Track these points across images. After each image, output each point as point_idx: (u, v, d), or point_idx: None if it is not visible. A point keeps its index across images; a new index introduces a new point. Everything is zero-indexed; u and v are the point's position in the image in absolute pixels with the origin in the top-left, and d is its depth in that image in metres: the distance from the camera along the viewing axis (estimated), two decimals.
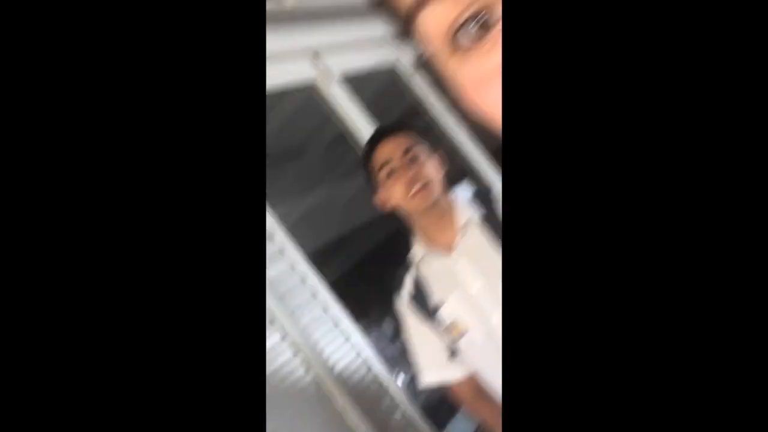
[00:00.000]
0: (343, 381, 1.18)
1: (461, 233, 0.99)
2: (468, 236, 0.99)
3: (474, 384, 1.02)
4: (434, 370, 1.05)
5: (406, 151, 0.98)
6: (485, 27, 0.23)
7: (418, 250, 1.04)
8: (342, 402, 1.15)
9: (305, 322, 1.19)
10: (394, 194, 0.98)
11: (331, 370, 1.17)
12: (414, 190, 0.95)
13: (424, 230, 1.02)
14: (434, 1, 0.23)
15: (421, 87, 1.79)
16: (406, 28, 0.26)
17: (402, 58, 1.77)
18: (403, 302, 1.05)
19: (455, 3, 0.23)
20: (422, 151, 1.00)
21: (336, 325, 1.25)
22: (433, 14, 0.23)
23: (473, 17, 0.23)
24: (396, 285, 1.07)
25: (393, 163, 0.97)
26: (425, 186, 0.96)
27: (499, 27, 0.22)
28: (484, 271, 0.97)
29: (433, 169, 0.99)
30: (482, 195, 1.04)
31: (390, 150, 0.99)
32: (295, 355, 1.14)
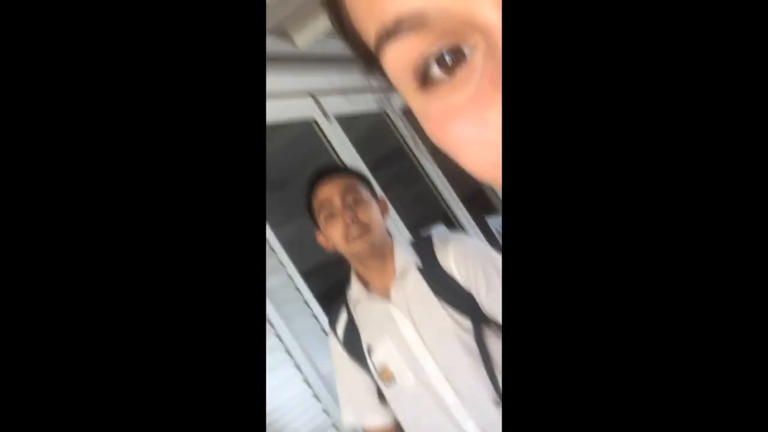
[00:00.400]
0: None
1: (399, 279, 0.97)
2: (405, 282, 0.97)
3: None
4: (355, 412, 1.04)
5: (346, 193, 0.97)
6: (455, 60, 0.21)
7: (355, 291, 1.02)
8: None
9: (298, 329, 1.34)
10: (333, 236, 0.97)
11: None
12: (352, 233, 0.95)
13: (362, 273, 1.01)
14: (400, 34, 0.21)
15: (405, 130, 1.97)
16: (370, 61, 0.25)
17: (393, 103, 1.96)
18: (334, 340, 1.04)
19: (423, 36, 0.21)
20: (363, 194, 1.00)
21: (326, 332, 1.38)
22: (398, 49, 0.22)
23: (447, 51, 0.21)
24: (331, 321, 1.07)
25: (332, 206, 0.97)
26: (364, 230, 0.95)
27: (469, 60, 0.21)
28: (418, 319, 0.95)
29: (373, 212, 0.98)
30: (423, 243, 1.02)
31: (330, 192, 0.98)
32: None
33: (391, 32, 0.21)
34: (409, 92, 0.23)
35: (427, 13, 0.20)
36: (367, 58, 0.24)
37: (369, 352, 0.98)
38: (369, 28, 0.22)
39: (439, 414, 0.94)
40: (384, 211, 1.03)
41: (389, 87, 0.25)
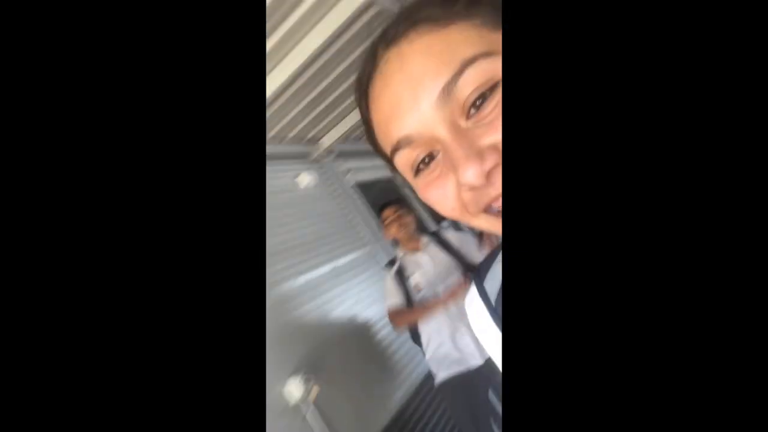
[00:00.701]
0: None
1: (423, 244, 2.06)
2: (426, 246, 2.04)
3: (405, 311, 1.95)
4: (392, 302, 1.97)
5: (395, 212, 2.10)
6: (429, 160, 0.37)
7: (399, 252, 2.09)
8: None
9: None
10: (391, 231, 2.09)
11: None
12: (399, 229, 2.07)
13: (404, 243, 2.08)
14: (400, 149, 0.37)
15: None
16: (390, 163, 0.41)
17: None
18: (388, 275, 2.05)
19: (414, 148, 0.37)
20: (402, 212, 2.11)
21: None
22: (402, 156, 0.38)
23: (425, 156, 0.37)
24: (388, 266, 2.12)
25: (389, 218, 2.09)
26: (403, 226, 2.07)
27: (436, 158, 0.36)
28: (434, 261, 1.98)
29: (408, 219, 2.10)
30: (437, 231, 2.15)
31: (388, 212, 2.11)
32: None
33: (396, 148, 0.38)
34: (409, 177, 0.40)
35: (413, 136, 0.36)
36: (389, 162, 0.41)
37: (409, 277, 1.97)
38: (386, 147, 0.39)
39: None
40: (415, 217, 2.16)
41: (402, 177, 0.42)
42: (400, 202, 2.17)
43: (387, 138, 0.39)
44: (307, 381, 1.71)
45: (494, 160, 0.34)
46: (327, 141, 2.76)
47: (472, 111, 0.35)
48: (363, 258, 2.63)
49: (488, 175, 0.34)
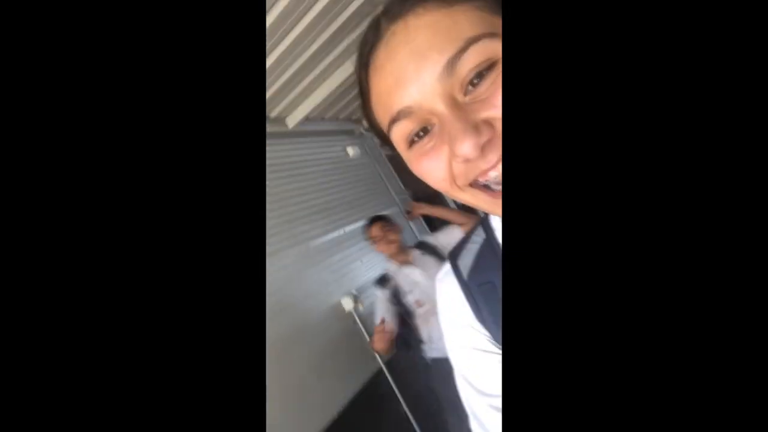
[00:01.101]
0: None
1: (413, 257, 2.10)
2: (417, 259, 2.09)
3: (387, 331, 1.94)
4: (381, 323, 1.96)
5: (381, 228, 2.13)
6: (425, 132, 0.39)
7: (393, 267, 2.10)
8: None
9: None
10: (379, 248, 2.13)
11: None
12: (387, 246, 2.11)
13: (395, 258, 2.11)
14: (399, 120, 0.39)
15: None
16: (385, 138, 0.43)
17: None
18: (381, 294, 2.07)
19: (412, 120, 0.38)
20: (388, 228, 2.14)
21: None
22: (399, 127, 0.39)
23: (420, 129, 0.39)
24: (380, 283, 2.11)
25: (376, 236, 2.13)
26: (391, 242, 2.11)
27: (431, 132, 0.38)
28: (428, 273, 1.99)
29: (394, 236, 2.13)
30: (423, 244, 2.16)
31: (374, 230, 2.15)
32: None
33: (395, 119, 0.39)
34: (403, 150, 0.42)
35: (413, 107, 0.38)
36: (381, 136, 0.43)
37: (407, 294, 2.02)
38: (384, 119, 0.41)
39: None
40: (400, 232, 2.21)
41: (394, 149, 0.43)
42: (384, 219, 2.25)
43: (386, 109, 0.40)
44: (355, 298, 2.40)
45: (488, 134, 0.36)
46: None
47: (470, 87, 0.36)
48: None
49: (482, 149, 0.36)
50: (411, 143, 0.40)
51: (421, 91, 0.37)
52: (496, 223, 0.52)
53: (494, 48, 0.36)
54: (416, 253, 2.13)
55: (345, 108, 3.07)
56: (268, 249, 2.14)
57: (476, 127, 0.36)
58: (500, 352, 0.50)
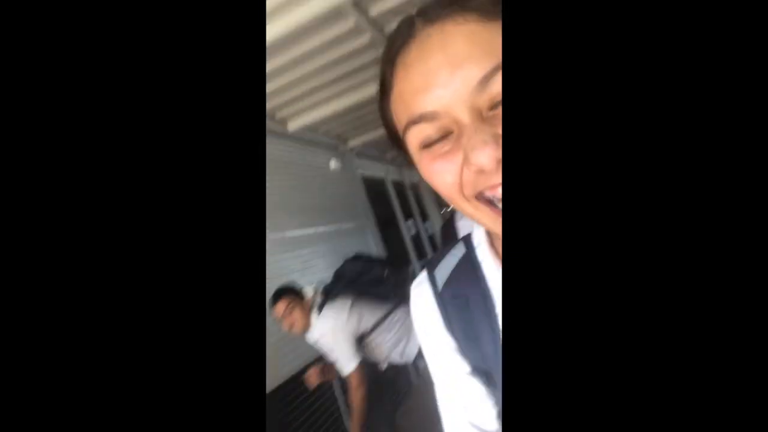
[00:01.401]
0: None
1: (312, 323, 2.09)
2: (314, 325, 2.08)
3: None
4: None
5: (287, 305, 2.07)
6: (444, 136, 0.39)
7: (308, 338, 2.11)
8: None
9: None
10: (285, 327, 2.08)
11: None
12: (291, 326, 2.08)
13: (303, 332, 2.10)
14: (422, 122, 0.39)
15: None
16: (399, 143, 0.44)
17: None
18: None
19: (434, 124, 0.39)
20: (293, 304, 2.08)
21: None
22: (419, 129, 0.40)
23: (441, 134, 0.39)
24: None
25: (281, 314, 2.06)
26: (294, 322, 2.06)
27: (449, 137, 0.38)
28: (330, 325, 2.06)
29: (297, 314, 2.08)
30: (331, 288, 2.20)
31: (279, 308, 2.07)
32: None
33: (416, 120, 0.39)
34: (415, 150, 0.42)
35: (439, 113, 0.38)
36: (391, 131, 0.45)
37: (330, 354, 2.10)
38: (402, 117, 0.41)
39: None
40: (306, 308, 2.13)
41: (401, 155, 0.44)
42: (289, 293, 2.16)
43: (408, 108, 0.40)
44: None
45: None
46: (353, 142, 3.80)
47: (494, 105, 0.37)
48: (354, 228, 3.67)
49: (497, 162, 0.37)
50: (426, 144, 0.41)
51: (451, 99, 0.37)
52: (477, 241, 0.54)
53: None
54: (314, 317, 2.15)
55: (338, 127, 3.48)
56: None
57: (497, 140, 0.37)
58: (468, 368, 0.54)
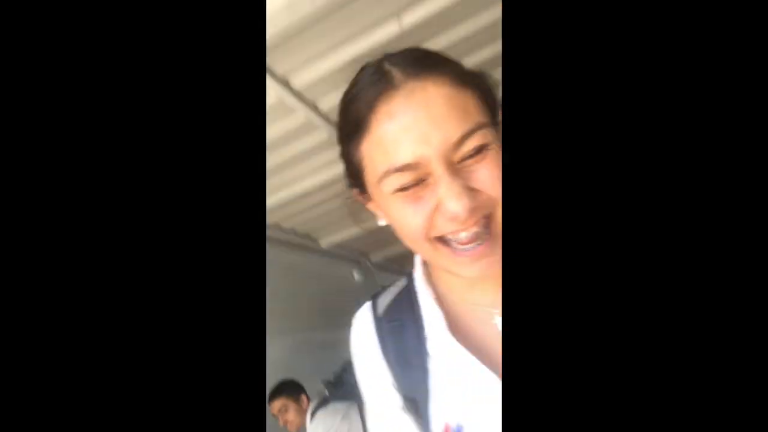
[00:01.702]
0: None
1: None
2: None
3: None
4: None
5: (282, 404, 2.22)
6: (420, 182, 0.44)
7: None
8: None
9: None
10: (280, 422, 2.21)
11: None
12: (284, 424, 2.21)
13: (292, 430, 2.24)
14: (402, 171, 0.44)
15: None
16: (359, 179, 0.49)
17: None
18: None
19: (412, 173, 0.44)
20: (288, 403, 2.22)
21: None
22: (398, 177, 0.45)
23: (416, 179, 0.44)
24: None
25: (277, 412, 2.21)
26: (288, 422, 2.21)
27: (423, 183, 0.44)
28: None
29: (291, 414, 2.21)
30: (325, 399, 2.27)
31: (275, 406, 2.19)
32: None
33: (398, 169, 0.43)
34: (388, 193, 0.46)
35: (420, 164, 0.43)
36: (354, 170, 0.50)
37: None
38: (381, 162, 0.45)
39: None
40: (300, 412, 2.27)
41: (357, 189, 0.52)
42: (287, 392, 2.26)
43: (388, 155, 0.45)
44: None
45: (474, 200, 0.44)
46: (374, 257, 4.33)
47: (463, 159, 0.45)
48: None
49: (469, 212, 0.43)
50: (401, 189, 0.46)
51: (431, 154, 0.44)
52: (417, 275, 0.60)
53: (489, 135, 0.46)
54: (308, 420, 2.24)
55: (367, 246, 4.00)
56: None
57: (469, 194, 0.44)
58: (401, 402, 0.56)
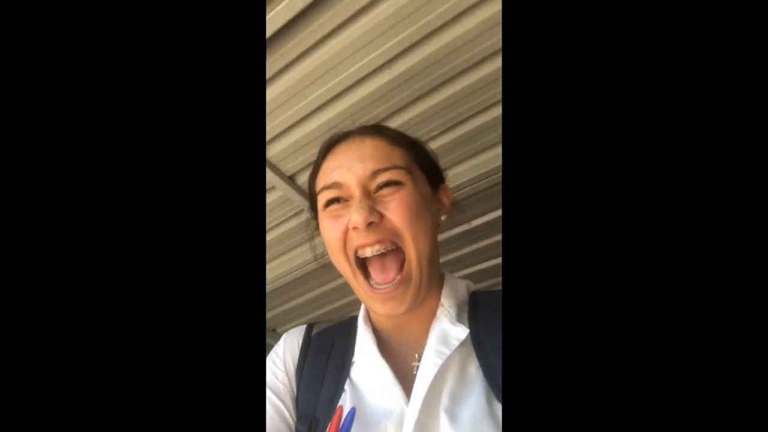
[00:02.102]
0: None
1: None
2: None
3: None
4: None
5: None
6: (343, 201, 0.61)
7: None
8: None
9: None
10: None
11: None
12: None
13: None
14: (328, 189, 0.61)
15: None
16: (313, 197, 0.66)
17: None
18: None
19: (336, 190, 0.61)
20: None
21: None
22: (328, 192, 0.61)
23: (337, 198, 0.61)
24: None
25: None
26: None
27: (344, 202, 0.61)
28: None
29: None
30: None
31: None
32: None
33: (327, 186, 0.62)
34: (320, 208, 0.64)
35: (343, 184, 0.61)
36: (311, 196, 0.69)
37: None
38: (320, 184, 0.64)
39: None
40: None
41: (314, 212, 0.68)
42: None
43: (325, 178, 0.63)
44: None
45: (376, 218, 0.57)
46: None
47: (378, 189, 0.59)
48: None
49: (368, 226, 0.57)
50: (328, 204, 0.62)
51: (352, 178, 0.60)
52: (360, 313, 0.69)
53: (404, 176, 0.60)
54: None
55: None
56: None
57: (371, 210, 0.57)
58: (294, 418, 0.64)
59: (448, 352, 0.58)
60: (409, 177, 0.61)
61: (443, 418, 0.53)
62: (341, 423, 0.53)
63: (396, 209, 0.58)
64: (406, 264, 0.60)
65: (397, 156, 0.62)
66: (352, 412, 0.54)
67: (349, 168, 0.61)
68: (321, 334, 0.69)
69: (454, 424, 0.52)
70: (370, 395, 0.60)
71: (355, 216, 0.57)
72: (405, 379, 0.60)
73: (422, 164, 0.66)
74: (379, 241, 0.58)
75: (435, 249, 0.65)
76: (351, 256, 0.60)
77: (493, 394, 0.53)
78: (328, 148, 0.67)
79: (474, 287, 0.70)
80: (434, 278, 0.65)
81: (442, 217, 0.68)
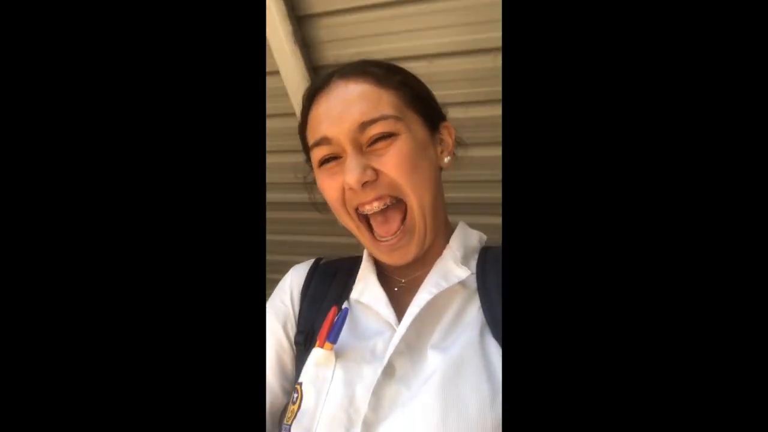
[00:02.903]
0: None
1: None
2: None
3: None
4: None
5: None
6: (335, 157, 0.56)
7: None
8: None
9: None
10: None
11: None
12: None
13: None
14: (318, 144, 0.57)
15: None
16: (308, 152, 0.59)
17: None
18: None
19: (328, 147, 0.56)
20: None
21: None
22: (319, 150, 0.57)
23: (331, 155, 0.57)
24: None
25: None
26: None
27: (339, 159, 0.57)
28: None
29: None
30: None
31: None
32: None
33: (317, 143, 0.58)
34: (315, 166, 0.61)
35: (332, 139, 0.57)
36: (306, 150, 0.63)
37: None
38: (310, 139, 0.60)
39: None
40: None
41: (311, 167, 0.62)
42: None
43: (313, 133, 0.59)
44: None
45: (371, 177, 0.55)
46: None
47: (371, 143, 0.55)
48: None
49: (363, 185, 0.54)
50: (323, 163, 0.59)
51: (341, 131, 0.56)
52: (365, 252, 0.69)
53: (396, 126, 0.56)
54: None
55: None
56: None
57: (365, 169, 0.54)
58: (292, 336, 0.66)
59: (445, 285, 0.59)
60: (402, 125, 0.57)
61: (430, 352, 0.55)
62: (334, 320, 0.57)
63: (391, 164, 0.56)
64: (408, 215, 0.59)
65: (386, 102, 0.57)
66: (345, 312, 0.58)
67: (335, 119, 0.57)
68: (328, 264, 0.71)
69: (441, 352, 0.54)
70: (365, 314, 0.62)
71: (348, 177, 0.55)
72: (401, 307, 0.61)
73: (416, 105, 0.61)
74: (378, 198, 0.57)
75: (438, 195, 0.63)
76: (352, 213, 0.60)
77: (488, 330, 0.55)
78: (313, 95, 0.62)
79: (486, 242, 0.69)
80: (440, 224, 0.65)
81: (446, 159, 0.64)
